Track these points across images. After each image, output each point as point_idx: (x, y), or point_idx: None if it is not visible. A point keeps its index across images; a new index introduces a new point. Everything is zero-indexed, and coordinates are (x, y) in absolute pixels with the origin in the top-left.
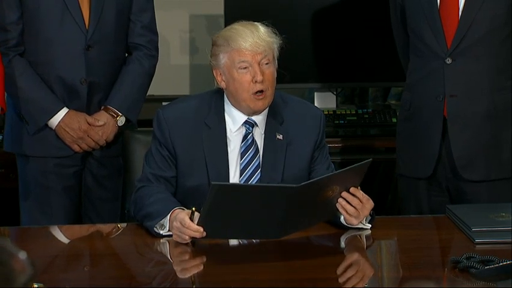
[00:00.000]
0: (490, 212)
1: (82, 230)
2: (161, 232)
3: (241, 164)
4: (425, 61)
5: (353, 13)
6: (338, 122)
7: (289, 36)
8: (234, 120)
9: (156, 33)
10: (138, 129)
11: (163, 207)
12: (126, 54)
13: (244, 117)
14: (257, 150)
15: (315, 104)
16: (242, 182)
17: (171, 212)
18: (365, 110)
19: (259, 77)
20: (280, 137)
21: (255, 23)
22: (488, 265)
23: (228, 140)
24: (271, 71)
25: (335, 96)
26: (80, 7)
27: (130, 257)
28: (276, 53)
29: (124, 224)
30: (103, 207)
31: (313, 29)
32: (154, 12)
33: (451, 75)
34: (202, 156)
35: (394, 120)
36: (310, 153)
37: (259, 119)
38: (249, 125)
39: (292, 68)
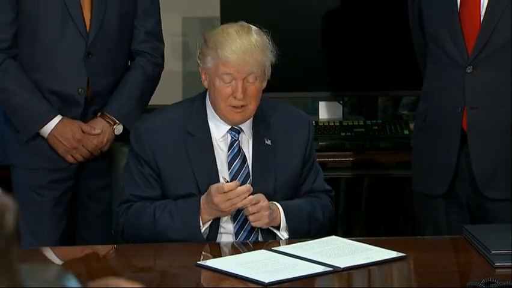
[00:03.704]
0: (510, 232)
1: (76, 251)
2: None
3: (229, 175)
4: (443, 69)
5: (360, 15)
6: (344, 134)
7: (291, 41)
8: (218, 127)
9: (162, 40)
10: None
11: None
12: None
13: (228, 125)
14: (245, 159)
15: (320, 115)
16: None
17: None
18: (374, 121)
19: (239, 95)
20: (268, 142)
21: (252, 28)
22: None
23: (214, 147)
24: (256, 86)
25: (341, 106)
26: (81, 9)
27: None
28: (268, 69)
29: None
30: (97, 222)
31: (317, 33)
32: (160, 18)
33: (472, 86)
34: (189, 166)
35: (406, 132)
36: (301, 158)
37: (245, 124)
38: (235, 131)
39: (293, 75)
